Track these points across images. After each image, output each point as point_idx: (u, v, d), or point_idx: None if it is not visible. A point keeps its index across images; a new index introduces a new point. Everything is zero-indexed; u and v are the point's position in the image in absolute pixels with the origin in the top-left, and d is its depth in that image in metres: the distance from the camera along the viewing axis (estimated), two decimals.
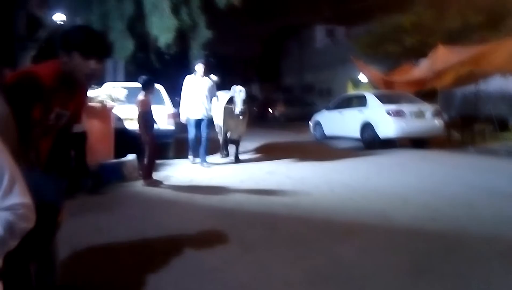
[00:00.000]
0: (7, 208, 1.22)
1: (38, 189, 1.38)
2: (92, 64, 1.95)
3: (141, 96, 5.89)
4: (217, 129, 8.71)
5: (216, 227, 3.87)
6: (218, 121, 8.34)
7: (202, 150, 7.39)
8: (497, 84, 12.21)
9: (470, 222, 3.96)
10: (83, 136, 5.07)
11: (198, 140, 7.45)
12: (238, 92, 7.46)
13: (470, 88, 13.23)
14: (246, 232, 3.73)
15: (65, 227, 2.20)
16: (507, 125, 12.37)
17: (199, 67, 7.25)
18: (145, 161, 5.86)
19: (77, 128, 4.90)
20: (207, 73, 7.39)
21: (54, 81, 1.92)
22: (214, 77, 6.89)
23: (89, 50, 1.94)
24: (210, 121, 7.62)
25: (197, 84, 7.25)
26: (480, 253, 3.20)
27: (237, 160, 7.98)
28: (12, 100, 1.66)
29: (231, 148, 8.43)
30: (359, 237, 3.61)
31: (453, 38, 13.91)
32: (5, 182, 1.22)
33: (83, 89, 2.24)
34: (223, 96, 8.18)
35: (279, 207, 4.61)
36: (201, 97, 7.20)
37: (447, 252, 3.21)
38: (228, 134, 8.21)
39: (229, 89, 7.97)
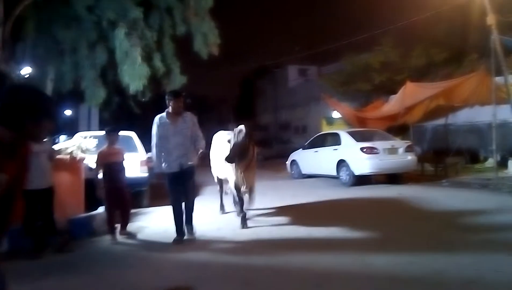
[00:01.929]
0: None
1: None
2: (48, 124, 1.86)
3: (103, 146, 5.72)
4: (215, 181, 7.27)
5: (189, 283, 3.71)
6: (218, 172, 6.96)
7: (186, 217, 5.36)
8: (465, 116, 12.60)
9: (448, 264, 3.92)
10: (50, 191, 4.88)
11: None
12: (237, 133, 5.76)
13: (440, 122, 13.64)
14: (221, 288, 3.59)
15: None
16: (478, 157, 12.68)
17: (174, 102, 5.23)
18: (106, 214, 5.59)
19: (43, 184, 4.76)
20: (183, 110, 5.33)
21: None
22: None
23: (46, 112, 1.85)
24: (194, 173, 5.44)
25: (172, 124, 5.22)
26: None
27: (243, 223, 5.96)
28: None
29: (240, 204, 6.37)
30: (338, 286, 3.51)
31: (420, 75, 14.49)
32: None
33: (24, 150, 2.07)
34: (222, 137, 6.65)
35: (255, 257, 4.47)
36: (178, 142, 5.19)
37: None
38: (233, 187, 6.22)
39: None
